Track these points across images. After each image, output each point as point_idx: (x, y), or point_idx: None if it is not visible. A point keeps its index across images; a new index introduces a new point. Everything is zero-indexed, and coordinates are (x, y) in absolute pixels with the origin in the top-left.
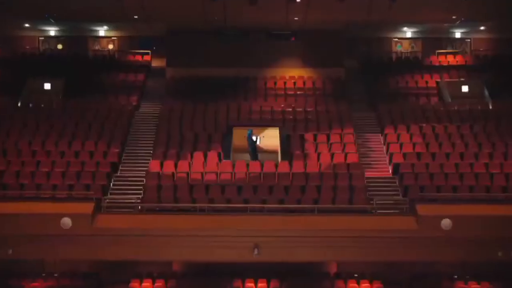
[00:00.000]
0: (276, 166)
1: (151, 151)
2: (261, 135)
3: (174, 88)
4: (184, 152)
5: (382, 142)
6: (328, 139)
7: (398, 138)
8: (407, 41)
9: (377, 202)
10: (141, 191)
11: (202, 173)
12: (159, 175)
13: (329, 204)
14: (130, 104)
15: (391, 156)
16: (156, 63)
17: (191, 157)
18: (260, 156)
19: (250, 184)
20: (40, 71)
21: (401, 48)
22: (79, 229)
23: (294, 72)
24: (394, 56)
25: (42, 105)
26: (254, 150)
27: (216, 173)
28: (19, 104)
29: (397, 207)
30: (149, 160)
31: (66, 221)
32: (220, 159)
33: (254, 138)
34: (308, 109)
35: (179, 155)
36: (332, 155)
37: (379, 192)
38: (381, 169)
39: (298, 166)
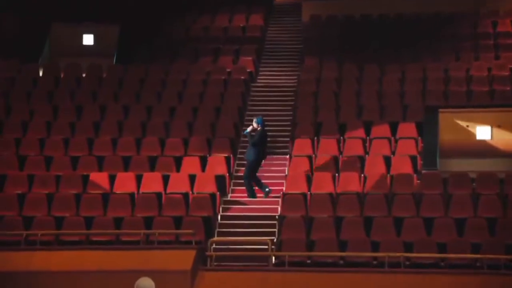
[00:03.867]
0: None
1: (286, 155)
2: (493, 124)
3: (319, 38)
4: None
5: None
6: None
7: None
8: None
9: None
10: (275, 229)
11: (385, 196)
12: (305, 199)
13: None
14: (241, 70)
15: None
16: None
17: (362, 164)
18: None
19: (481, 216)
20: (74, 13)
21: None
22: None
23: None
24: None
25: (84, 75)
26: (255, 162)
27: (412, 196)
28: (40, 73)
29: None
30: (285, 170)
31: (145, 284)
32: (416, 168)
33: (253, 125)
34: None
35: (337, 160)
36: None
37: None
38: None
39: None
